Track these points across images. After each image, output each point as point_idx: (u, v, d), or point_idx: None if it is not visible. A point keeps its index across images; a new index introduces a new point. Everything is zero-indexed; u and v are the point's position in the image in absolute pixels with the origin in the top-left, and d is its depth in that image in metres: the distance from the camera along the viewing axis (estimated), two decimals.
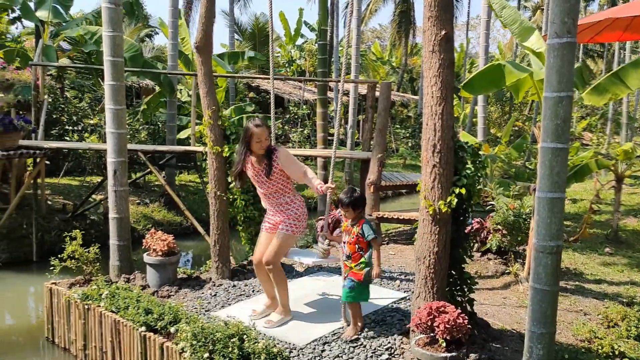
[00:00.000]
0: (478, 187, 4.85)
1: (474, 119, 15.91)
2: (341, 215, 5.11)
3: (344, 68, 5.09)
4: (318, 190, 4.77)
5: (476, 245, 7.73)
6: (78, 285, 5.98)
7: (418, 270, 4.55)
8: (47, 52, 10.62)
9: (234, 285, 6.08)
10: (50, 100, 10.42)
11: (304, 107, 18.07)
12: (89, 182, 12.95)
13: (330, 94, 24.25)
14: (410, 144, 21.43)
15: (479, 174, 4.57)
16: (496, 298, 6.04)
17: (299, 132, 16.47)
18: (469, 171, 4.49)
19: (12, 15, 15.42)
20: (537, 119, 15.51)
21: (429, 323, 4.14)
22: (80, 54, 15.10)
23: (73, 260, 6.04)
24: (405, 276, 6.66)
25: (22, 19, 14.61)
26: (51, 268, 5.99)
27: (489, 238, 7.35)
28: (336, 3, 20.43)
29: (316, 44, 33.52)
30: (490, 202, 8.19)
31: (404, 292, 5.97)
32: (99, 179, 12.98)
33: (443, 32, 4.22)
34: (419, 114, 24.64)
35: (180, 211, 11.64)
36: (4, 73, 9.89)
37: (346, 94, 25.04)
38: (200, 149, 8.52)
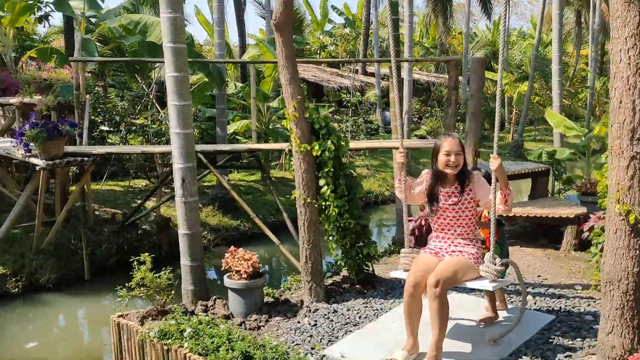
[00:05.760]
0: None
1: None
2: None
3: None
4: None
5: None
6: (151, 318, 5.00)
7: (609, 297, 3.45)
8: (87, 47, 9.66)
9: (335, 311, 5.03)
10: (91, 100, 9.50)
11: (357, 94, 16.91)
12: (133, 186, 12.05)
13: (372, 79, 23.10)
14: (462, 128, 20.07)
15: None
16: None
17: (351, 122, 15.25)
18: None
19: (38, 14, 14.56)
20: None
21: None
22: (112, 51, 14.15)
23: (142, 288, 5.07)
24: (533, 288, 5.53)
25: (49, 17, 13.76)
26: (118, 299, 5.04)
27: None
28: None
29: (346, 28, 32.32)
30: None
31: (546, 311, 4.85)
32: (143, 182, 12.09)
33: None
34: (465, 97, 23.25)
35: (236, 215, 10.72)
36: (41, 73, 8.98)
37: (385, 78, 23.77)
38: (265, 146, 7.52)
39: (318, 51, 31.37)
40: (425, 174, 4.11)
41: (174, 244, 9.25)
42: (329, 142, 5.09)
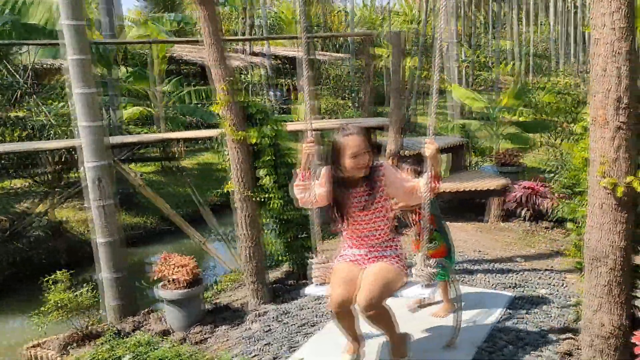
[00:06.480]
0: None
1: None
2: None
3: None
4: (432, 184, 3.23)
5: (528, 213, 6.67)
6: (75, 344, 4.27)
7: (595, 274, 3.32)
8: None
9: (286, 312, 4.60)
10: None
11: (262, 74, 16.21)
12: (12, 187, 10.67)
13: (256, 59, 22.43)
14: (355, 104, 20.09)
15: None
16: None
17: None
18: None
19: None
20: None
21: None
22: None
23: (60, 311, 4.31)
24: (480, 265, 5.45)
25: None
26: (32, 327, 4.26)
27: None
28: None
29: (227, 7, 31.22)
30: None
31: (504, 288, 4.76)
32: (23, 182, 10.72)
33: None
34: (348, 72, 23.31)
35: (140, 211, 9.85)
36: None
37: (273, 57, 23.23)
38: (187, 134, 6.79)
39: (200, 31, 30.06)
40: (327, 174, 3.36)
41: (73, 250, 8.35)
42: (267, 127, 4.59)
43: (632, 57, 3.03)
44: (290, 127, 5.57)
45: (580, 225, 3.62)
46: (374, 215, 3.34)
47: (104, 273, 4.80)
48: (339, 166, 3.24)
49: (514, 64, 32.39)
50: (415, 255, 4.05)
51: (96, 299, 4.43)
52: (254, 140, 4.55)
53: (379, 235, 3.39)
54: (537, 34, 35.62)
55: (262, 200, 4.74)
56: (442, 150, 7.82)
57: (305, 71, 3.70)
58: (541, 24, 39.06)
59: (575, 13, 36.03)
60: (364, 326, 3.54)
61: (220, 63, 4.46)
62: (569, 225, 3.65)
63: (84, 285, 4.43)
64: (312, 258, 4.83)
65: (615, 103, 3.07)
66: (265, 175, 4.65)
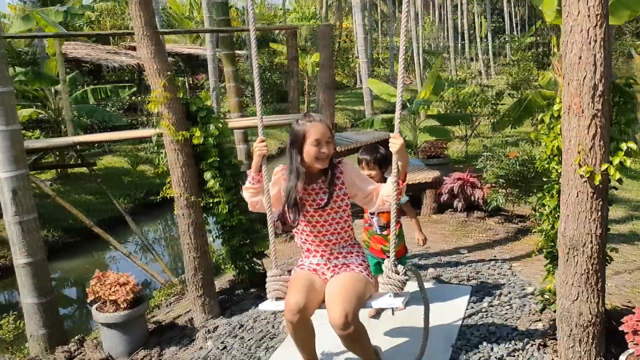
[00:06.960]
0: None
1: None
2: None
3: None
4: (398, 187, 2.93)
5: (459, 204, 6.73)
6: None
7: (572, 263, 3.30)
8: None
9: (240, 325, 4.24)
10: None
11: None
12: None
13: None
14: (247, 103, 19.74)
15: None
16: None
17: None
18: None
19: None
20: None
21: None
22: None
23: None
24: (427, 259, 5.39)
25: None
26: None
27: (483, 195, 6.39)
28: None
29: (109, 1, 29.60)
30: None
31: (459, 282, 4.71)
32: None
33: None
34: (246, 68, 22.92)
35: (41, 224, 8.90)
36: None
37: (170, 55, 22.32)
38: (110, 135, 6.13)
39: (84, 27, 28.44)
40: (280, 172, 3.14)
41: None
42: (212, 126, 4.20)
43: (606, 45, 3.03)
44: (233, 124, 5.18)
45: (550, 215, 3.60)
46: (332, 214, 3.07)
47: (26, 298, 4.17)
48: (299, 155, 2.98)
49: (407, 60, 33.48)
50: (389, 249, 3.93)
51: (21, 330, 3.82)
52: (197, 141, 4.14)
53: (338, 239, 3.13)
54: (426, 31, 37.17)
55: (208, 205, 4.35)
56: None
57: (254, 66, 3.34)
58: (424, 23, 40.80)
59: (455, 12, 37.99)
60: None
61: (156, 56, 4.02)
62: (544, 217, 3.62)
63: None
64: (260, 265, 4.55)
65: (591, 91, 3.04)
66: (211, 178, 4.26)
